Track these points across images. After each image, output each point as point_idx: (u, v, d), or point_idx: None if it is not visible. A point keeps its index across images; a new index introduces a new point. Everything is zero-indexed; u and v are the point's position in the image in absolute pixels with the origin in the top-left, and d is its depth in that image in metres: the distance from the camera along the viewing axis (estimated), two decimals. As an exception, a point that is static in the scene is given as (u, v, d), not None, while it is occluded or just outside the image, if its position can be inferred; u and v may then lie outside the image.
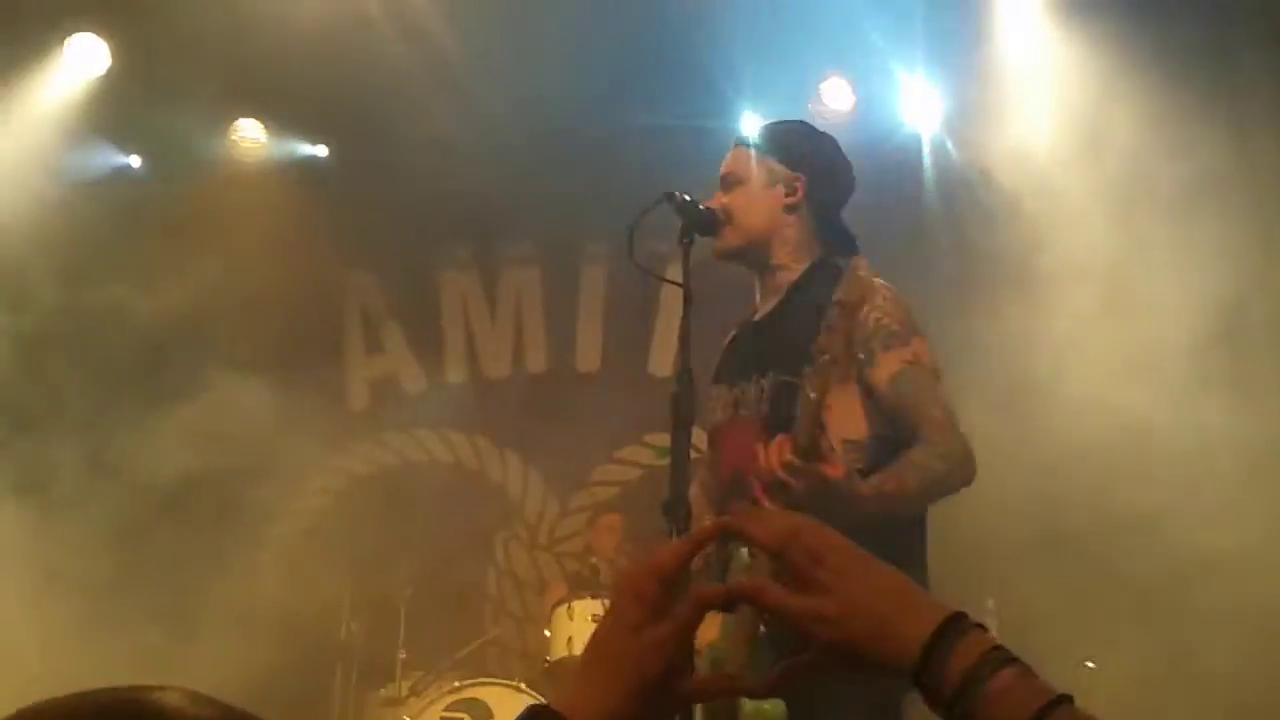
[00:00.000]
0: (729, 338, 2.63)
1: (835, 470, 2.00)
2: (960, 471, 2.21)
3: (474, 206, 5.79)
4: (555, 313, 6.47)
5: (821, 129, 2.65)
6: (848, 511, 1.90)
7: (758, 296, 2.53)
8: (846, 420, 2.22)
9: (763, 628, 2.07)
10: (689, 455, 2.11)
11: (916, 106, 5.56)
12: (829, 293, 2.17)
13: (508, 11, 5.05)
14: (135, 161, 6.10)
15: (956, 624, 0.88)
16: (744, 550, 2.12)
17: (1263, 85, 4.51)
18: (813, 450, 1.98)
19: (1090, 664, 4.22)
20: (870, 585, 0.92)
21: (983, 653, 0.86)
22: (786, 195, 2.47)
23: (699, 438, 2.37)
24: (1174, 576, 4.02)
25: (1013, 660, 0.86)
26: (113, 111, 5.62)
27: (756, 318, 2.54)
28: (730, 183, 2.50)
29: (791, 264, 2.47)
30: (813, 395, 1.91)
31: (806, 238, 2.49)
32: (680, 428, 2.07)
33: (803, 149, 2.53)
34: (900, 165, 5.45)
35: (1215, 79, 4.51)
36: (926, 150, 5.58)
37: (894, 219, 5.14)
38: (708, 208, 2.42)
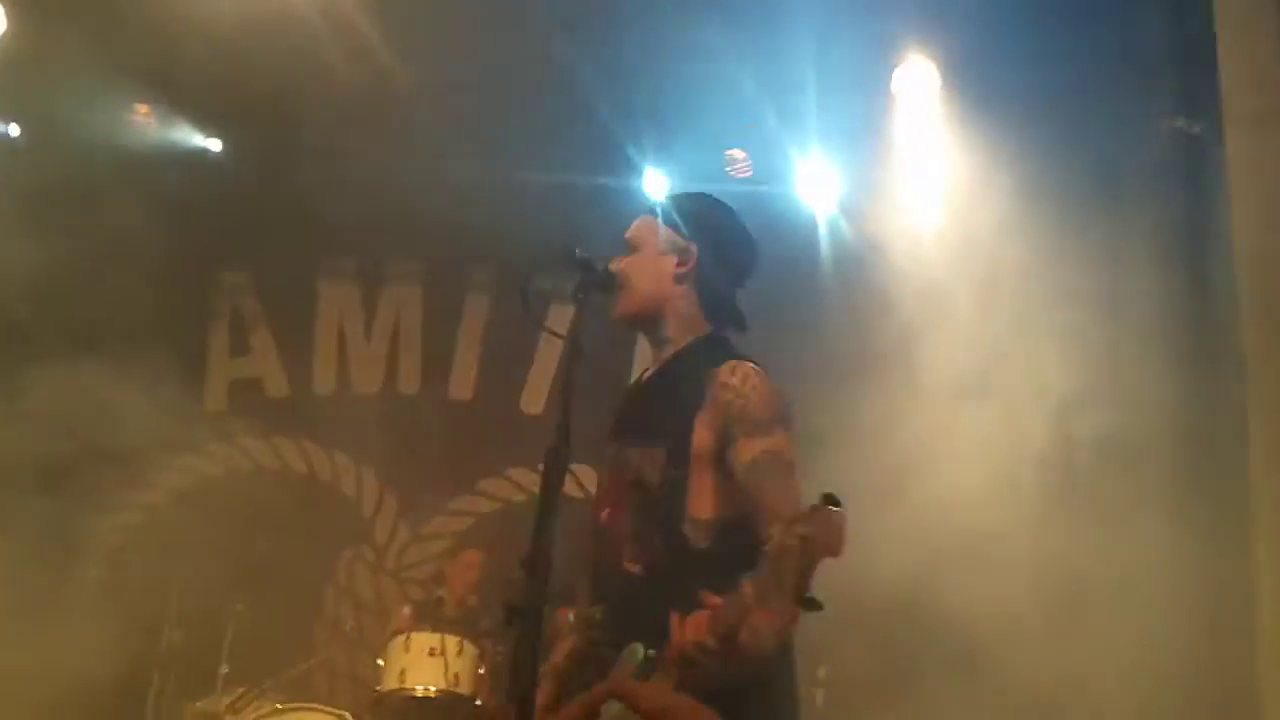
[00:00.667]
0: (625, 391, 2.62)
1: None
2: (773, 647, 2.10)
3: (365, 220, 5.70)
4: (434, 336, 6.39)
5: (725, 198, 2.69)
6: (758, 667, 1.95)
7: (650, 360, 2.54)
8: (699, 499, 2.24)
9: None
10: (556, 512, 2.08)
11: (812, 185, 5.70)
12: (699, 379, 2.25)
13: (429, 41, 5.00)
14: (14, 130, 5.82)
15: None
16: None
17: (1139, 211, 4.77)
18: (729, 641, 1.90)
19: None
20: None
21: None
22: (677, 264, 2.46)
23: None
24: (998, 660, 4.13)
25: None
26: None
27: (642, 379, 2.54)
28: (630, 247, 2.50)
29: (678, 338, 2.46)
30: (748, 600, 1.82)
31: (695, 312, 2.47)
32: (551, 483, 2.05)
33: (699, 218, 2.52)
34: (794, 242, 5.57)
35: (1093, 196, 4.74)
36: (821, 228, 5.72)
37: (786, 294, 5.26)
38: (606, 269, 2.43)
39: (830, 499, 1.72)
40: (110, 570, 5.44)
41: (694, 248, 2.47)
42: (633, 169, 5.58)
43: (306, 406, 6.19)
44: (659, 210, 2.56)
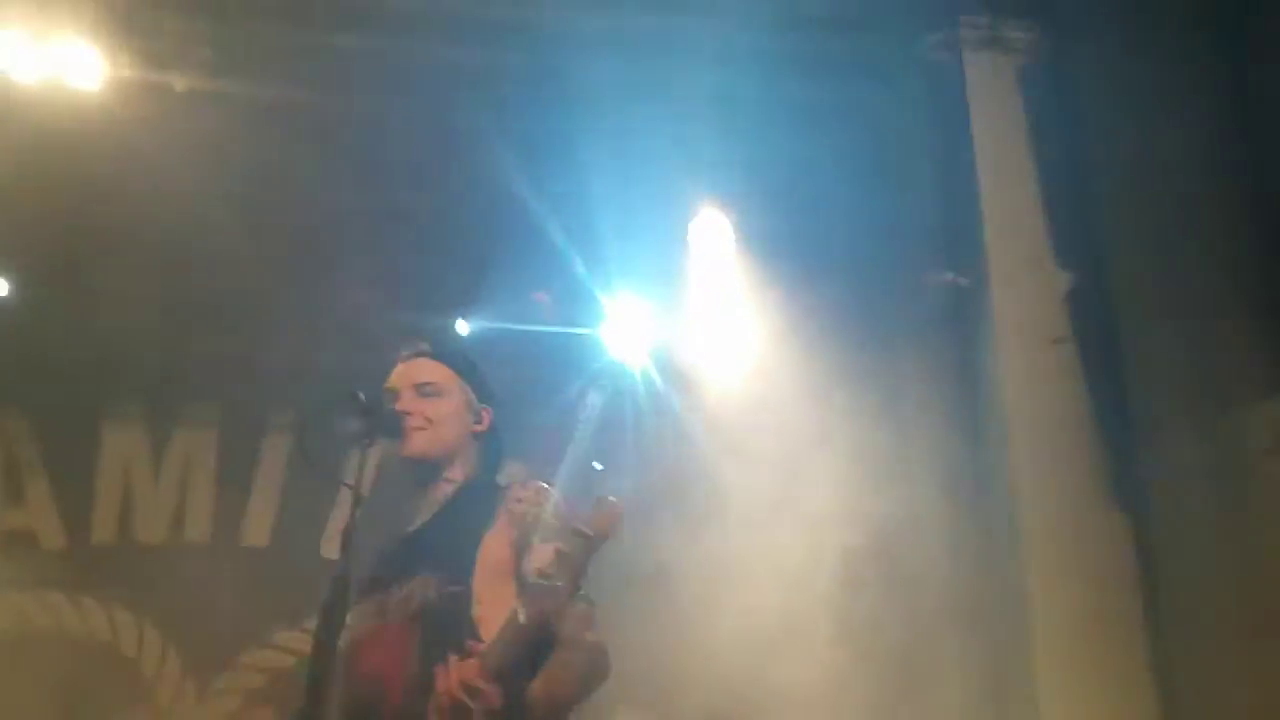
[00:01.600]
0: (374, 553, 2.63)
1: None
2: (601, 666, 2.30)
3: (153, 363, 5.49)
4: (228, 480, 6.13)
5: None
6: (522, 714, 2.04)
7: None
8: (494, 616, 2.25)
9: None
10: (334, 663, 2.03)
11: (618, 327, 5.85)
12: (487, 503, 2.43)
13: (223, 169, 4.97)
14: None
15: None
16: None
17: (917, 355, 5.09)
18: (505, 673, 2.02)
19: None
20: None
21: None
22: (475, 424, 2.65)
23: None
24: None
25: None
26: None
27: (410, 529, 2.57)
28: (429, 392, 2.60)
29: (455, 478, 2.59)
30: (521, 619, 1.96)
31: (474, 457, 2.65)
32: (326, 639, 2.00)
33: (486, 385, 2.73)
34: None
35: (873, 342, 5.05)
36: (630, 367, 5.84)
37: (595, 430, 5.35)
38: (400, 411, 2.47)
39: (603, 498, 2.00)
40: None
41: (489, 412, 2.69)
42: (439, 306, 5.59)
43: (84, 559, 5.79)
44: (445, 359, 2.69)
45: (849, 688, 4.42)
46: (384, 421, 2.41)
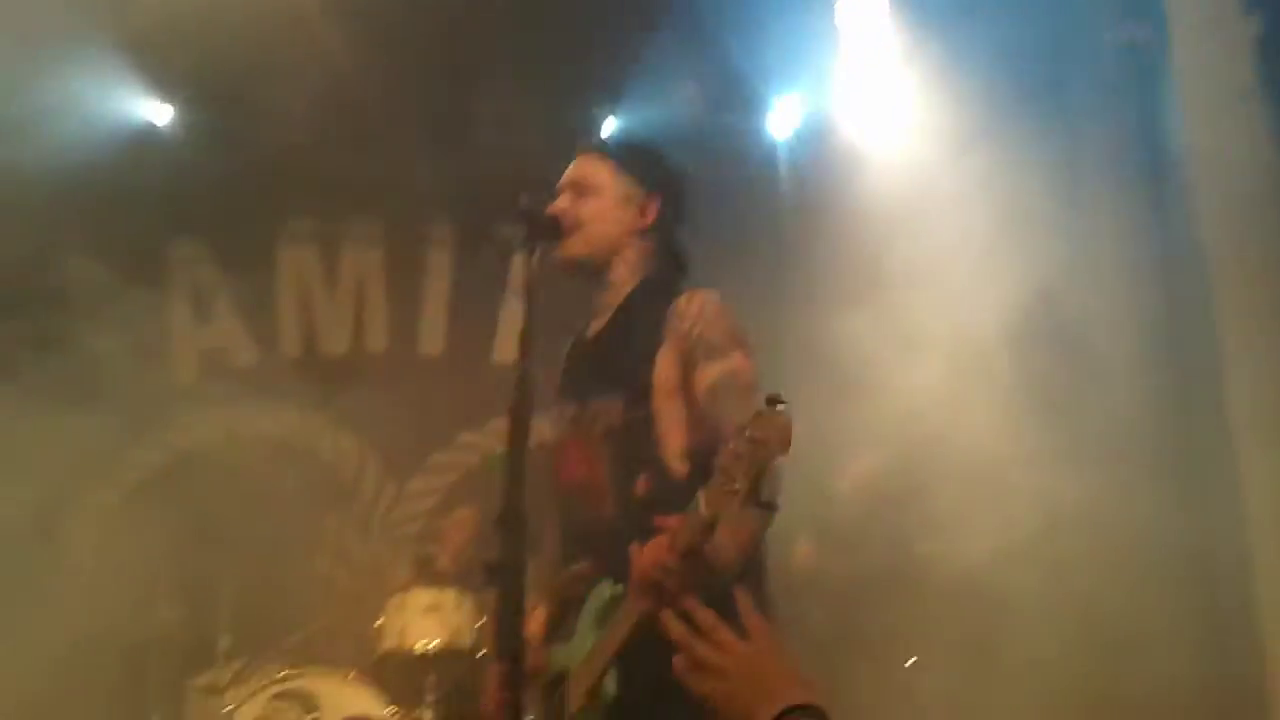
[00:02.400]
0: (566, 348, 2.61)
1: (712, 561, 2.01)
2: (776, 489, 2.18)
3: (319, 182, 5.61)
4: (398, 294, 6.34)
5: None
6: (725, 580, 1.96)
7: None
8: (670, 433, 2.26)
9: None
10: (525, 466, 2.08)
11: (774, 110, 5.65)
12: (655, 316, 2.30)
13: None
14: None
15: (793, 712, 1.18)
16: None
17: (1092, 122, 4.76)
18: (692, 556, 1.96)
19: (911, 661, 4.39)
20: (748, 673, 1.24)
21: None
22: (640, 216, 2.48)
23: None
24: (987, 569, 4.19)
25: None
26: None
27: (589, 334, 2.53)
28: (582, 190, 2.48)
29: (623, 283, 2.48)
30: (704, 513, 1.86)
31: (644, 259, 2.50)
32: (517, 438, 2.05)
33: (658, 173, 2.53)
34: (755, 169, 5.54)
35: (1046, 107, 4.73)
36: (783, 152, 5.68)
37: (749, 219, 5.25)
38: (553, 215, 2.41)
39: (774, 399, 1.73)
40: (95, 553, 5.42)
41: (656, 203, 2.49)
42: (587, 108, 5.50)
43: (276, 372, 6.13)
44: (604, 150, 2.54)
45: (1019, 458, 4.34)
46: (545, 227, 2.36)
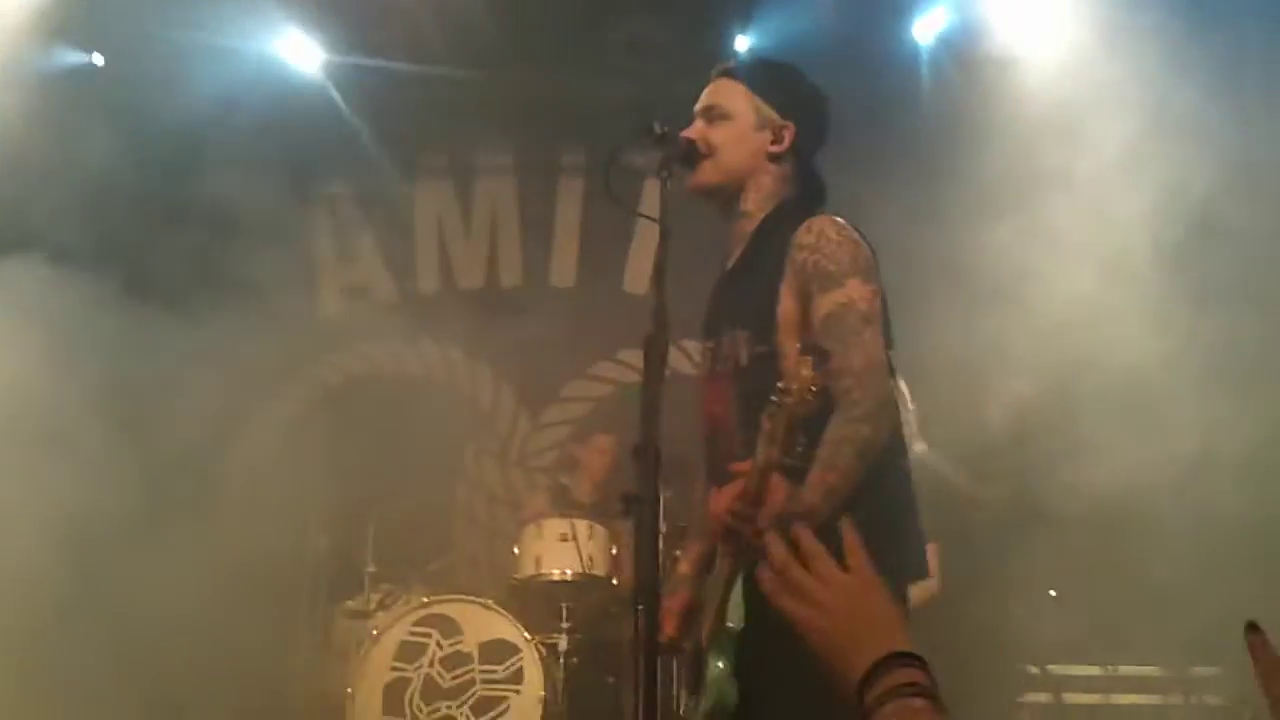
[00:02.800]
0: (697, 292, 2.56)
1: (775, 502, 1.99)
2: (884, 424, 2.14)
3: (449, 114, 5.62)
4: (530, 225, 6.36)
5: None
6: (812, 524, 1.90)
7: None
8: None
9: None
10: (661, 397, 2.04)
11: (918, 17, 5.41)
12: (783, 243, 2.25)
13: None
14: (98, 59, 5.87)
15: (891, 660, 1.13)
16: None
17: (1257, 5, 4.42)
18: (759, 499, 1.97)
19: (1053, 593, 4.26)
20: (850, 612, 1.19)
21: (895, 685, 1.11)
22: (773, 142, 2.40)
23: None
24: (1129, 490, 4.00)
25: (918, 696, 1.10)
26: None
27: (728, 266, 2.47)
28: (715, 116, 2.40)
29: (756, 211, 2.40)
30: (760, 461, 1.90)
31: (779, 186, 2.42)
32: (653, 369, 2.01)
33: (795, 96, 2.44)
34: (902, 75, 5.34)
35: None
36: (926, 61, 5.45)
37: (894, 131, 5.07)
38: (688, 139, 2.34)
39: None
40: (246, 485, 5.64)
41: (791, 127, 2.40)
42: (714, 29, 5.34)
43: (415, 307, 6.24)
44: (742, 76, 2.44)
45: (1172, 384, 4.10)
46: (680, 151, 2.30)
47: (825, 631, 1.19)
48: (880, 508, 2.13)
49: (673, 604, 2.33)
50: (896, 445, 2.25)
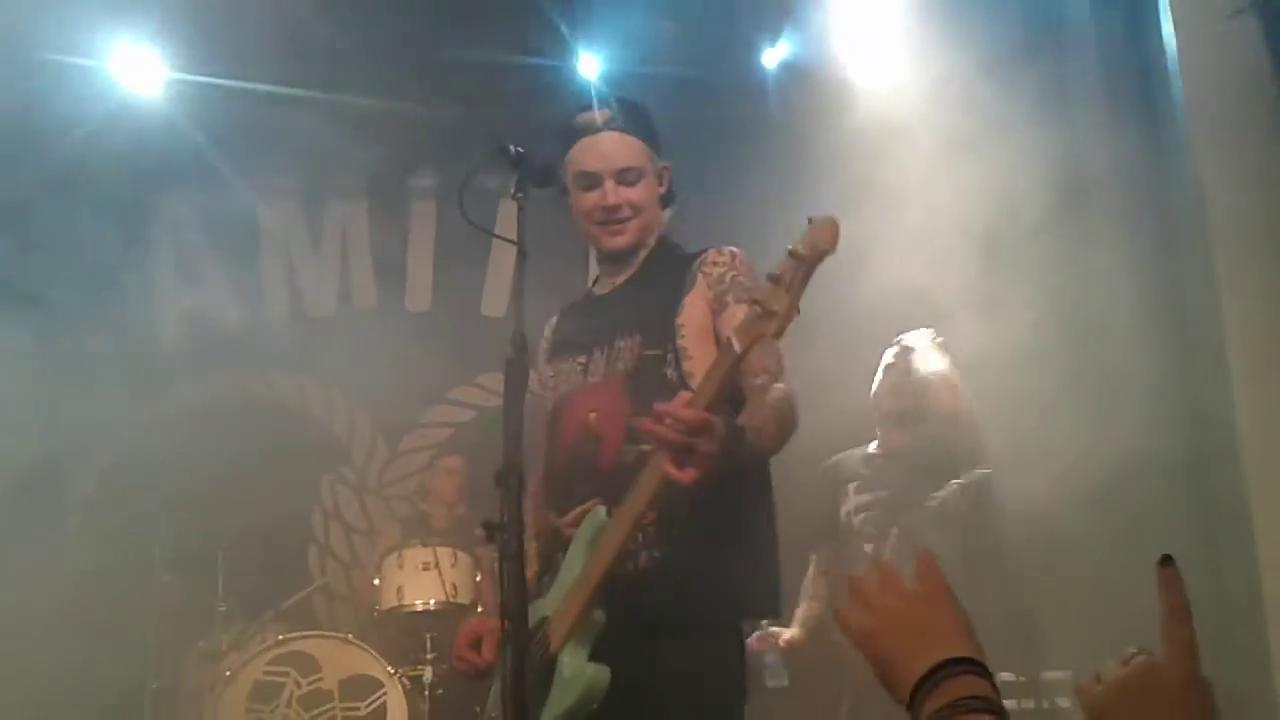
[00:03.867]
0: (556, 318, 2.71)
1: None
2: (790, 421, 2.31)
3: (298, 138, 5.47)
4: (383, 249, 6.24)
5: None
6: (738, 450, 2.09)
7: (594, 271, 2.54)
8: (701, 369, 2.30)
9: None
10: (523, 421, 2.04)
11: (754, 47, 5.53)
12: (677, 267, 2.47)
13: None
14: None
15: (951, 666, 1.03)
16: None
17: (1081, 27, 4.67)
18: (716, 407, 2.06)
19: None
20: (907, 619, 1.10)
21: (957, 698, 1.00)
22: (660, 185, 2.59)
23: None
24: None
25: (985, 711, 1.00)
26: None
27: (603, 291, 2.61)
28: (633, 179, 2.52)
29: (647, 242, 2.58)
30: (736, 348, 1.98)
31: (658, 219, 2.62)
32: (514, 394, 2.00)
33: (659, 134, 2.61)
34: (748, 103, 5.46)
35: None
36: (771, 85, 5.57)
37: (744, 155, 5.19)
38: (545, 162, 2.38)
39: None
40: (85, 519, 5.38)
41: (669, 166, 2.60)
42: (565, 48, 5.36)
43: (263, 333, 6.04)
44: (629, 129, 2.54)
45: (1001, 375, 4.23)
46: (538, 172, 2.32)
47: (878, 636, 1.10)
48: (732, 542, 2.29)
49: (492, 625, 2.34)
50: (765, 482, 2.42)
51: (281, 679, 4.37)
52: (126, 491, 5.26)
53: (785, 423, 2.28)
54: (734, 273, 2.41)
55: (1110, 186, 4.45)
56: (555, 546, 2.39)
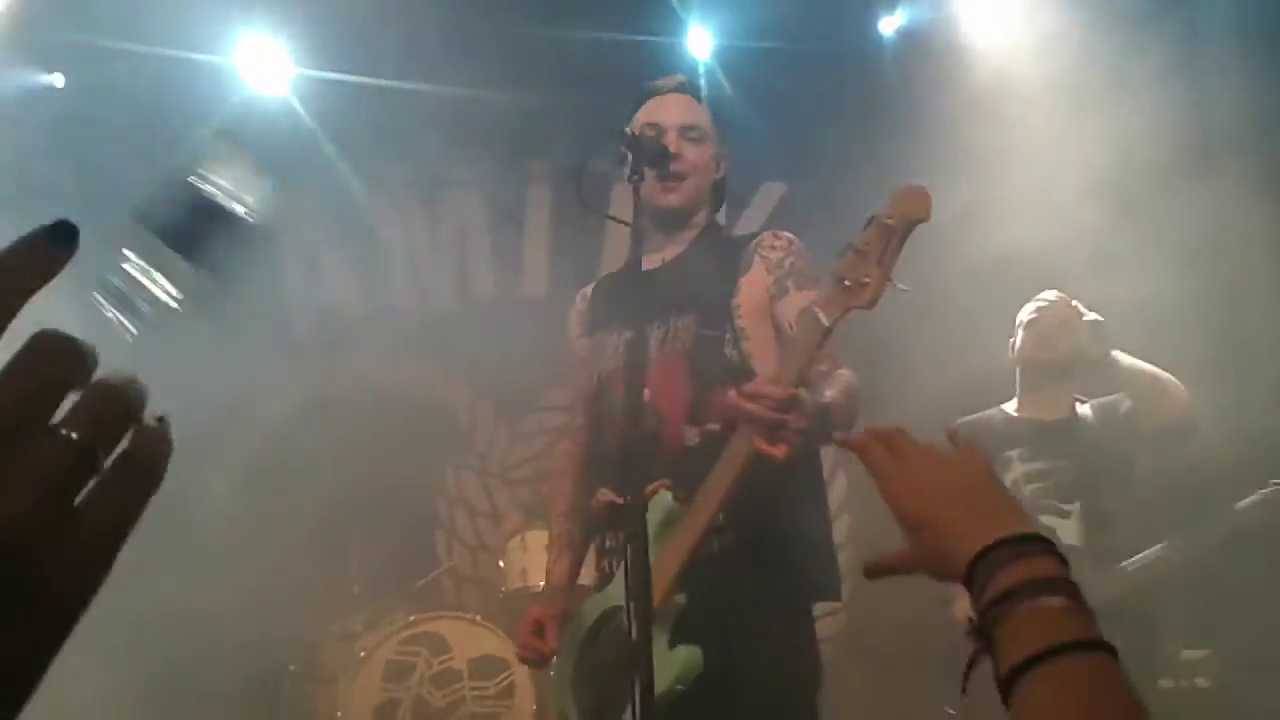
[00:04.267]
0: (591, 288, 2.82)
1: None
2: (859, 401, 2.30)
3: (415, 129, 5.55)
4: (499, 237, 6.31)
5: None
6: (823, 427, 2.10)
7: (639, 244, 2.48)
8: (760, 351, 2.37)
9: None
10: (643, 400, 2.04)
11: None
12: (731, 250, 2.49)
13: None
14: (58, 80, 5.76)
15: (1016, 543, 0.92)
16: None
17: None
18: (805, 379, 2.07)
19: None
20: (958, 479, 1.01)
21: (1024, 580, 0.88)
22: (716, 170, 2.62)
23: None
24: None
25: (1057, 594, 0.87)
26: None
27: (651, 265, 2.55)
28: (695, 138, 2.53)
29: (696, 219, 2.60)
30: (824, 321, 1.97)
31: (711, 205, 2.65)
32: (634, 369, 2.02)
33: (727, 138, 2.67)
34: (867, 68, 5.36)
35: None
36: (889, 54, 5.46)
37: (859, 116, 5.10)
38: (665, 146, 2.39)
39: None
40: (223, 505, 5.56)
41: (726, 165, 2.64)
42: (676, 25, 5.34)
43: (386, 324, 6.17)
44: (700, 97, 2.59)
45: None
46: (654, 153, 2.32)
47: (931, 510, 1.00)
48: (801, 523, 2.30)
49: (553, 611, 2.47)
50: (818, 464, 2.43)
51: (413, 659, 4.48)
52: (261, 478, 5.43)
53: (855, 405, 2.26)
54: (792, 258, 2.42)
55: (1247, 146, 4.25)
56: (605, 526, 2.40)
